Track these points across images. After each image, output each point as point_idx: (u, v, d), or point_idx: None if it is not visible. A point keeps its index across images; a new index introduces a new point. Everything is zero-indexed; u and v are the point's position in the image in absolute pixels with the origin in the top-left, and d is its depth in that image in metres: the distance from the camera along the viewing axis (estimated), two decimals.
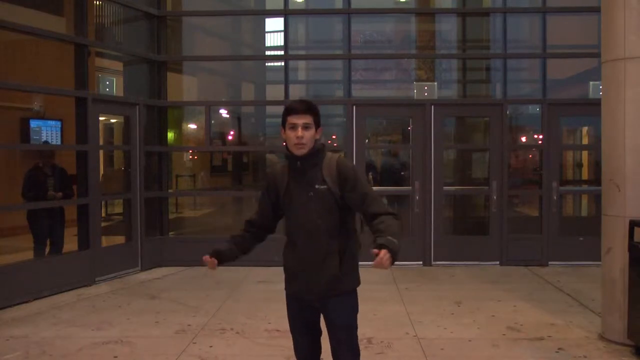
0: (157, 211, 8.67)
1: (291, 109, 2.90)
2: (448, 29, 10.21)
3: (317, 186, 2.91)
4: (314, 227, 2.91)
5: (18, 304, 6.39)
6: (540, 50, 8.71)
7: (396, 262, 2.76)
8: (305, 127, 2.88)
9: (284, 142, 2.98)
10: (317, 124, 2.95)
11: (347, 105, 8.64)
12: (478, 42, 9.91)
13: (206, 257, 3.05)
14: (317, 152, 2.95)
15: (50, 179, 7.43)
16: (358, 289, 3.09)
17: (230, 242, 3.16)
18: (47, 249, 7.62)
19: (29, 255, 7.50)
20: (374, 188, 2.93)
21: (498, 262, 8.45)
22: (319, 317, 3.10)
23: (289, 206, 2.98)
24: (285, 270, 3.10)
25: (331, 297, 2.98)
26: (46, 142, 11.20)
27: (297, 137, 2.86)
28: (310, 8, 10.68)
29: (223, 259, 3.09)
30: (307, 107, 2.92)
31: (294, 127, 2.87)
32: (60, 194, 7.41)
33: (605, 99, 5.17)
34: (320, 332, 3.15)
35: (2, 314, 6.06)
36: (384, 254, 2.62)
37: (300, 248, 2.96)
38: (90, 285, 7.30)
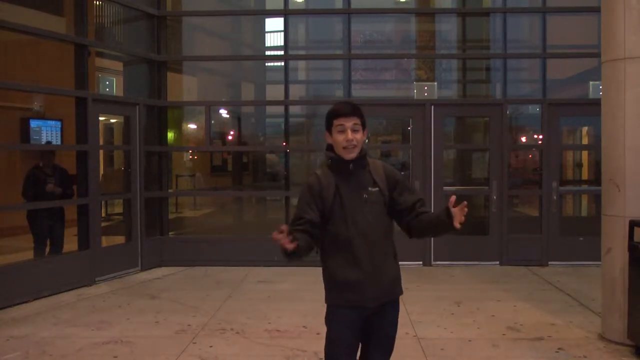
0: (157, 211, 8.67)
1: (338, 112, 2.84)
2: (448, 29, 10.22)
3: (370, 188, 2.86)
4: (372, 230, 2.82)
5: (18, 304, 6.39)
6: (540, 50, 8.70)
7: None
8: (355, 129, 2.83)
9: (328, 145, 2.92)
10: (364, 126, 2.90)
11: None
12: (478, 42, 9.91)
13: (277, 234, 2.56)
14: (365, 154, 2.92)
15: (50, 179, 7.42)
16: None
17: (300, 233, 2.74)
18: (47, 249, 7.62)
19: (29, 255, 7.49)
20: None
21: (498, 262, 8.44)
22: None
23: (340, 212, 2.82)
24: (338, 280, 2.85)
25: (388, 303, 2.91)
26: (49, 142, 11.20)
27: (348, 140, 2.80)
28: (310, 8, 10.68)
29: (301, 244, 2.64)
30: (354, 109, 2.86)
31: (342, 130, 2.81)
32: (59, 189, 7.41)
33: (605, 99, 5.17)
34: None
35: (2, 314, 6.06)
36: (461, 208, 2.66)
37: (358, 253, 2.80)
38: (90, 285, 7.30)
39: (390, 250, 2.90)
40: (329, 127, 2.88)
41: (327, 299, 2.92)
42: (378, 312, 2.89)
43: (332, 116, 2.86)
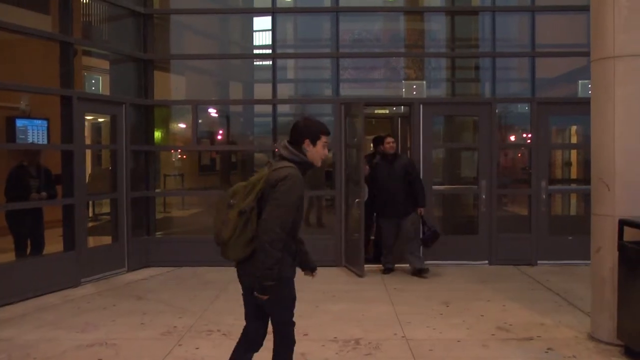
0: (144, 211, 8.60)
1: (327, 131, 3.44)
2: (437, 27, 10.19)
3: None
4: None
5: (2, 305, 6.30)
6: (529, 49, 8.71)
7: None
8: None
9: (305, 152, 3.36)
10: None
11: (335, 105, 8.60)
12: (467, 40, 9.90)
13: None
14: None
15: (34, 179, 7.32)
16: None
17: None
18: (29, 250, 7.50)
19: (12, 256, 7.38)
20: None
21: (487, 262, 8.43)
22: None
23: (301, 209, 3.40)
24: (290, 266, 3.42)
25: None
26: (33, 143, 11.05)
27: (325, 155, 3.45)
28: (299, 6, 10.63)
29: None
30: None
31: (325, 146, 3.43)
32: (44, 194, 7.31)
33: (594, 97, 5.15)
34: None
35: None
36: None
37: (295, 245, 3.45)
38: (75, 287, 7.21)
39: None
40: (315, 139, 3.37)
41: None
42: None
43: (323, 132, 3.41)
